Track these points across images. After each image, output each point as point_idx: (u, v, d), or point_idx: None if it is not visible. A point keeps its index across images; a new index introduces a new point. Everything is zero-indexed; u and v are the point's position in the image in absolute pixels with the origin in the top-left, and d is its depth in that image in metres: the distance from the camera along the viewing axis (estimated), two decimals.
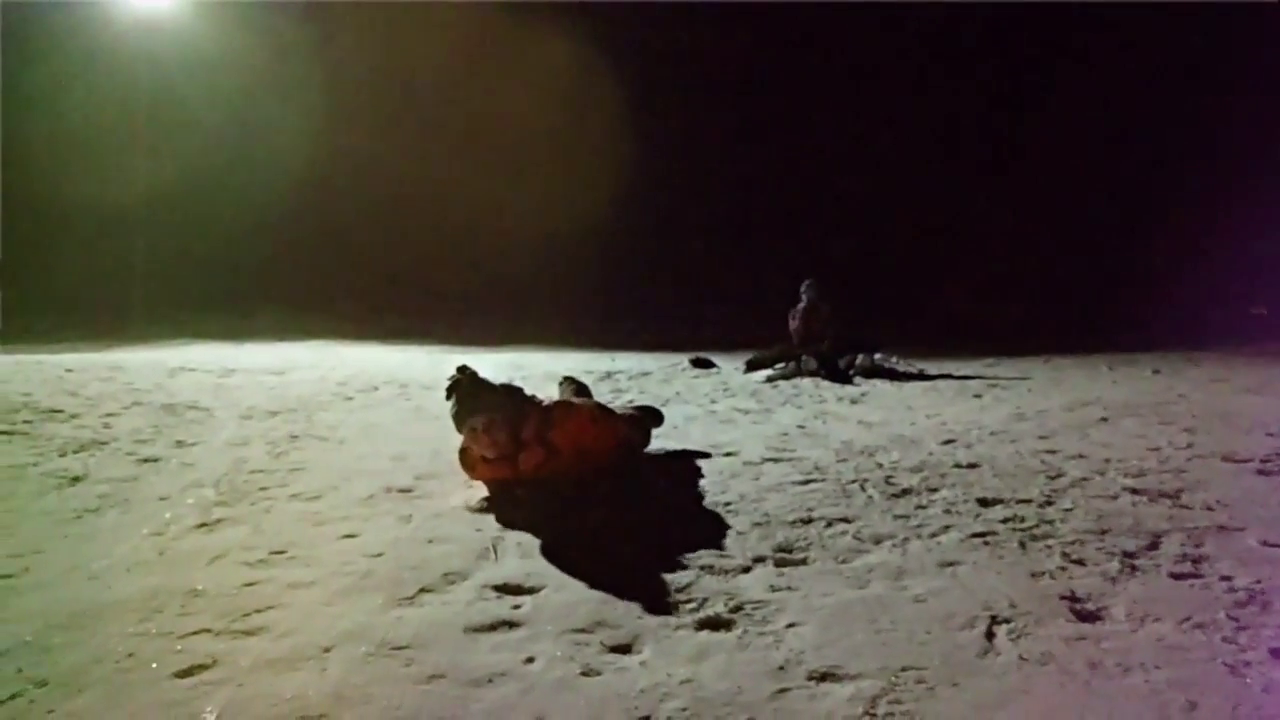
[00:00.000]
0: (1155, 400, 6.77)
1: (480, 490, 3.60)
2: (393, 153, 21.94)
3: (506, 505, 3.32)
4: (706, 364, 10.30)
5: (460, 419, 3.41)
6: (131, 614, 2.27)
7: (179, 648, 2.06)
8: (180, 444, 4.72)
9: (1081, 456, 4.38)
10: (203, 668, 1.95)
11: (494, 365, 9.31)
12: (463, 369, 3.47)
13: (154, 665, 1.96)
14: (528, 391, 3.73)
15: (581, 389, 4.65)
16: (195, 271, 19.49)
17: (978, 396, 7.29)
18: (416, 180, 21.62)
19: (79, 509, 3.38)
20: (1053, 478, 3.87)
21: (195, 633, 2.15)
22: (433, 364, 10.18)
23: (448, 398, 3.43)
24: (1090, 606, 2.29)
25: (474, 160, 21.61)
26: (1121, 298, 16.13)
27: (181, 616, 2.26)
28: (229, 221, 20.40)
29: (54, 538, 3.00)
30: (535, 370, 9.13)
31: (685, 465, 4.24)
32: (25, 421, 5.04)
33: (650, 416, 4.64)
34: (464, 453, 3.59)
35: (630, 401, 6.51)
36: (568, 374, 5.50)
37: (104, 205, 19.59)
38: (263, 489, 3.75)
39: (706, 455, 4.45)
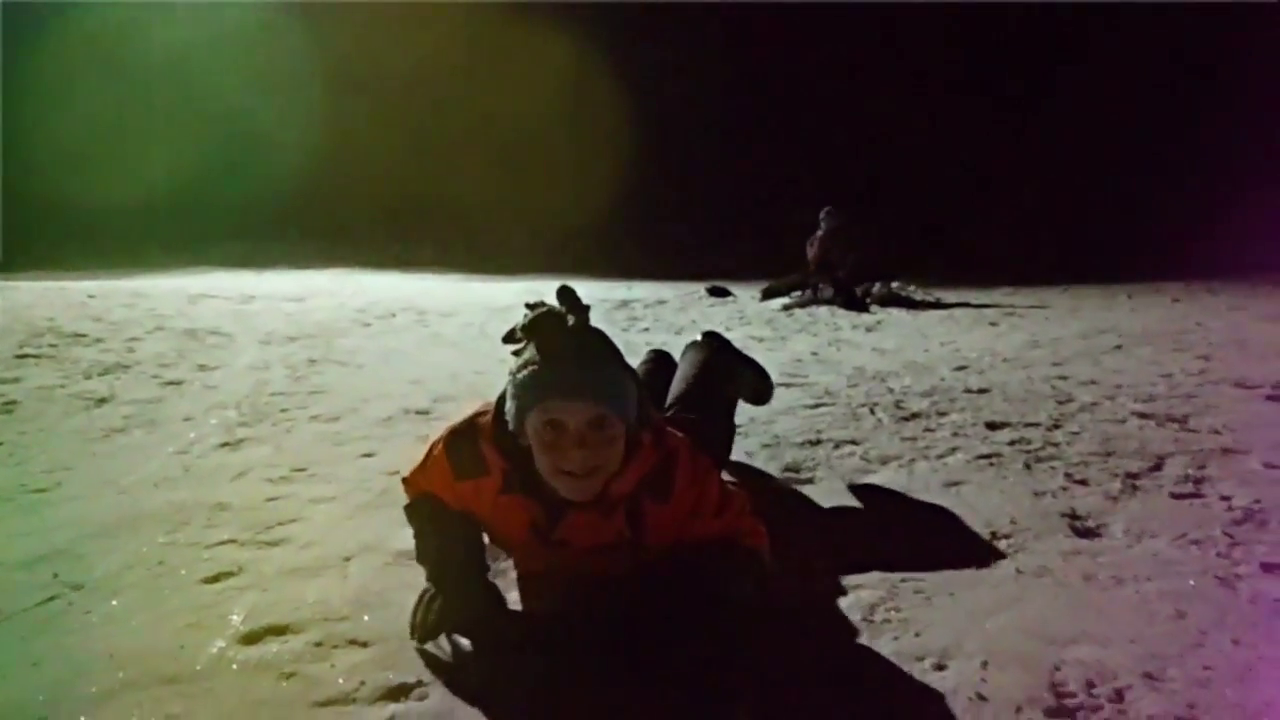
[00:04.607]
0: (1172, 328, 6.74)
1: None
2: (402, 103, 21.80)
3: None
4: (723, 292, 10.31)
5: (536, 391, 1.64)
6: (160, 525, 2.36)
7: (206, 556, 2.15)
8: (202, 367, 4.82)
9: (1093, 382, 4.40)
10: (229, 574, 2.04)
11: (513, 294, 9.34)
12: (566, 293, 1.43)
13: (183, 572, 2.05)
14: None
15: (665, 361, 2.95)
16: (213, 203, 19.69)
17: (993, 325, 7.29)
18: (431, 117, 21.50)
19: (106, 428, 3.49)
20: (1062, 402, 3.90)
21: (221, 543, 2.24)
22: (451, 292, 10.23)
23: (515, 337, 1.61)
24: (1090, 524, 2.34)
25: (489, 110, 21.39)
26: (1149, 231, 15.84)
27: (208, 528, 2.35)
28: (247, 155, 20.60)
29: (83, 455, 3.10)
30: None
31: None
32: (51, 345, 5.15)
33: (745, 377, 2.98)
34: (465, 443, 1.80)
35: (643, 334, 6.53)
36: (656, 349, 3.13)
37: (125, 142, 19.95)
38: (283, 410, 3.85)
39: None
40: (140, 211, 19.22)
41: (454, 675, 1.59)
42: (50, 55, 20.10)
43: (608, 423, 1.64)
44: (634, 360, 2.01)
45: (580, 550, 1.81)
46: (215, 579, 2.02)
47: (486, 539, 1.92)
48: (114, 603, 1.89)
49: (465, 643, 1.69)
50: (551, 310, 1.74)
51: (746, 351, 3.21)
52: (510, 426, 1.71)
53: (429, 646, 1.68)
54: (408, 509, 1.92)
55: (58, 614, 1.84)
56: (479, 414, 1.82)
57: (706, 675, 1.56)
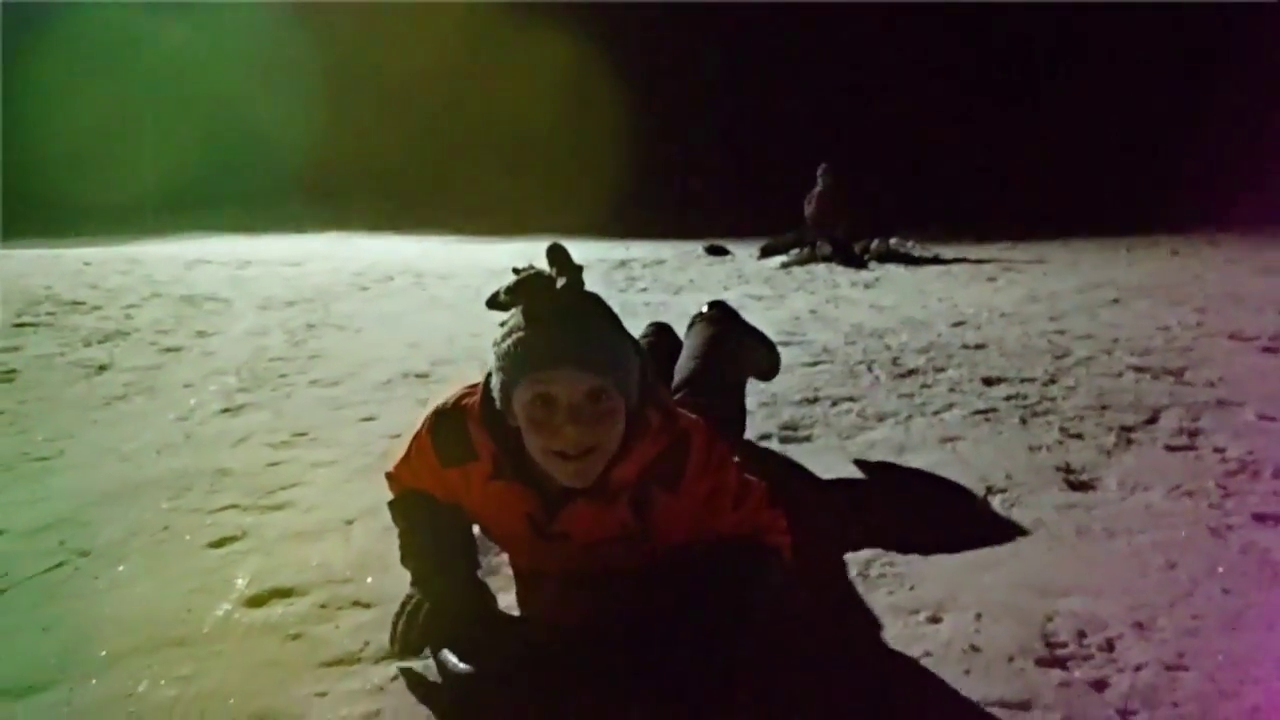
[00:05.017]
0: (1170, 281, 6.74)
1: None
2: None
3: None
4: (721, 251, 10.27)
5: (522, 362, 1.41)
6: (163, 492, 2.38)
7: (210, 522, 2.17)
8: (201, 334, 4.83)
9: (1089, 336, 4.42)
10: (233, 539, 2.06)
11: (510, 256, 9.31)
12: (557, 252, 1.50)
13: (188, 537, 2.08)
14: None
15: (667, 335, 2.75)
16: (211, 203, 19.64)
17: (992, 280, 7.28)
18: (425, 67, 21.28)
19: (107, 396, 3.50)
20: (1059, 357, 3.91)
21: (225, 508, 2.26)
22: (448, 254, 10.21)
23: (499, 302, 1.48)
24: (1084, 477, 2.36)
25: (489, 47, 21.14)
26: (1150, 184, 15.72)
27: (211, 494, 2.37)
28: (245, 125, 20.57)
29: (84, 423, 3.12)
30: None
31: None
32: (49, 313, 5.15)
33: (755, 353, 2.73)
34: (451, 426, 1.59)
35: (641, 294, 6.52)
36: (656, 320, 2.91)
37: (124, 142, 19.95)
38: (283, 376, 3.86)
39: None
40: (137, 211, 19.18)
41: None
42: (50, 55, 19.91)
43: (604, 395, 1.41)
44: (633, 326, 1.84)
45: (583, 545, 1.59)
46: (219, 544, 2.04)
47: (478, 531, 1.76)
48: (120, 568, 1.92)
49: (453, 659, 1.46)
50: (539, 272, 1.47)
51: (744, 311, 3.11)
52: (497, 404, 1.50)
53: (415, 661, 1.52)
54: (392, 506, 1.73)
55: (65, 580, 1.87)
56: (465, 393, 1.60)
57: (714, 685, 1.40)
